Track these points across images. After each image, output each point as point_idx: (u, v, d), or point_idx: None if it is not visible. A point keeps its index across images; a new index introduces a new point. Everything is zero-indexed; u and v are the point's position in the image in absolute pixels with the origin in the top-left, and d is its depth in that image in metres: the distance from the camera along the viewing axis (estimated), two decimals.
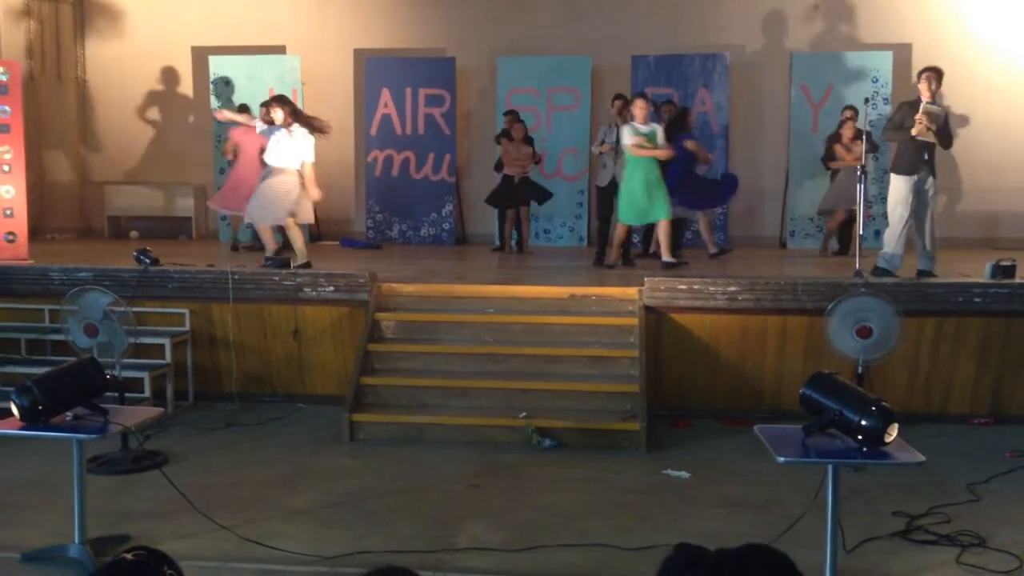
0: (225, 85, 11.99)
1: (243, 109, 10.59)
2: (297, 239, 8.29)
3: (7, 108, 8.63)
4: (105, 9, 12.53)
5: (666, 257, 8.82)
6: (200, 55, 12.31)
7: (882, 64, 11.13)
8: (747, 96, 11.84)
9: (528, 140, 10.46)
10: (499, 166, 10.54)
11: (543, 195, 10.47)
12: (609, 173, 9.49)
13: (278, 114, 8.09)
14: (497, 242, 11.08)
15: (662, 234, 8.93)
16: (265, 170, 8.28)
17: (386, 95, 11.95)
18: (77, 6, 12.52)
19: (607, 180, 9.50)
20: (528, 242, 10.72)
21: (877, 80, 11.12)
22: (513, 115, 10.57)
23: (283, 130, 8.05)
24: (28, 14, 12.21)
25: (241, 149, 10.17)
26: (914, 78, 8.00)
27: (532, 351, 7.17)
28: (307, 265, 8.08)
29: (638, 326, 7.15)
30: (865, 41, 11.44)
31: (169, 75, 12.57)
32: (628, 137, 8.70)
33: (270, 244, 8.38)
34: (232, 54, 12.02)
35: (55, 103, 12.46)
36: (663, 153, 8.79)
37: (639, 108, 8.80)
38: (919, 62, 11.24)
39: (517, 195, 10.45)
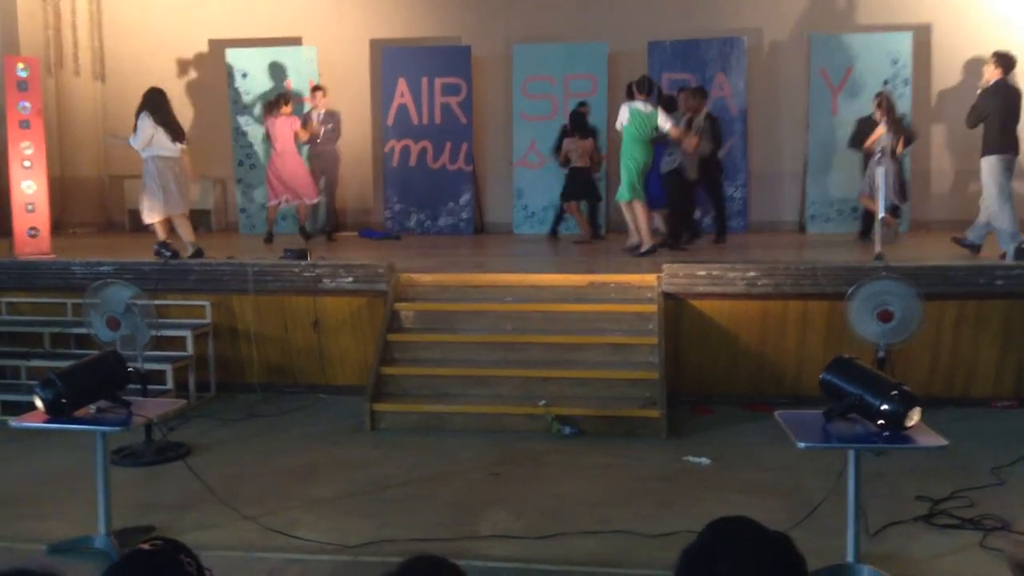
0: (244, 77, 12.04)
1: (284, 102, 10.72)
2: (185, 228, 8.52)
3: (27, 104, 8.70)
4: (122, 3, 12.59)
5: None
6: (217, 48, 12.36)
7: (902, 45, 11.01)
8: (765, 80, 11.75)
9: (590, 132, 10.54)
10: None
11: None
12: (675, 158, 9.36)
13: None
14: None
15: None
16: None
17: (402, 85, 11.95)
18: (94, 1, 12.58)
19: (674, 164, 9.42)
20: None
21: (897, 62, 11.00)
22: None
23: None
24: (45, 10, 12.29)
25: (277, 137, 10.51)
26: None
27: (551, 339, 7.17)
28: (199, 253, 8.29)
29: (657, 313, 7.14)
30: (884, 22, 11.31)
31: (187, 68, 12.64)
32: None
33: (190, 236, 8.51)
34: (249, 46, 12.06)
35: (75, 98, 12.55)
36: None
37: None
38: (939, 42, 11.17)
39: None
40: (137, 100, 8.43)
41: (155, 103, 8.30)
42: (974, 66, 11.04)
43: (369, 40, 12.30)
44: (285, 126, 10.42)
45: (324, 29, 12.21)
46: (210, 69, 12.53)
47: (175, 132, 8.33)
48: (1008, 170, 8.02)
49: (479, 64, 11.98)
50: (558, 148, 10.69)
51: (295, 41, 12.22)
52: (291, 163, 10.45)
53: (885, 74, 10.98)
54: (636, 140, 8.71)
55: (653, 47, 11.51)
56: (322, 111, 10.89)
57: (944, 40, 11.19)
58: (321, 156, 11.00)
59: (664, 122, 8.73)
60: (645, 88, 8.77)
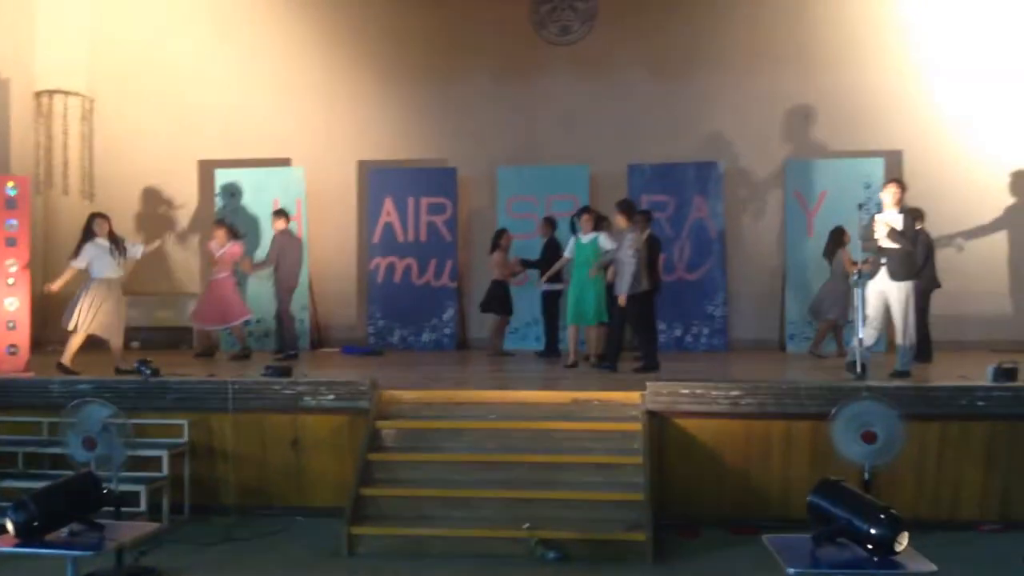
0: (231, 196, 12.23)
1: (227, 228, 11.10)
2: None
3: (14, 222, 8.78)
4: (113, 123, 12.85)
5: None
6: (206, 168, 12.59)
7: (874, 170, 11.36)
8: (742, 202, 12.07)
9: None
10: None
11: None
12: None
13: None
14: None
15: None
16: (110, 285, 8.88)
17: (388, 204, 12.19)
18: (86, 121, 12.85)
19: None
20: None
21: (870, 186, 11.32)
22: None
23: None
24: (37, 130, 12.53)
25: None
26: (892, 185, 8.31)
27: (535, 458, 7.08)
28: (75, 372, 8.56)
29: (641, 431, 7.09)
30: (857, 148, 11.70)
31: (175, 187, 12.80)
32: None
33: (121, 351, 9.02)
34: (238, 167, 12.29)
35: (62, 216, 12.65)
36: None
37: (584, 221, 9.54)
38: (910, 168, 11.57)
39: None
40: (126, 218, 8.64)
41: None
42: (943, 190, 11.42)
43: (357, 161, 12.59)
44: (216, 251, 10.90)
45: (312, 150, 12.49)
46: (199, 188, 12.74)
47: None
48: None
49: (464, 184, 12.25)
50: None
51: (284, 162, 12.48)
52: (216, 288, 10.78)
53: (858, 198, 11.25)
54: (577, 267, 9.46)
55: (633, 169, 11.83)
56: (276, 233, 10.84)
57: (915, 165, 11.57)
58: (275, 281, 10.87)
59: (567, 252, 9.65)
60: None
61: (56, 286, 9.01)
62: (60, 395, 7.65)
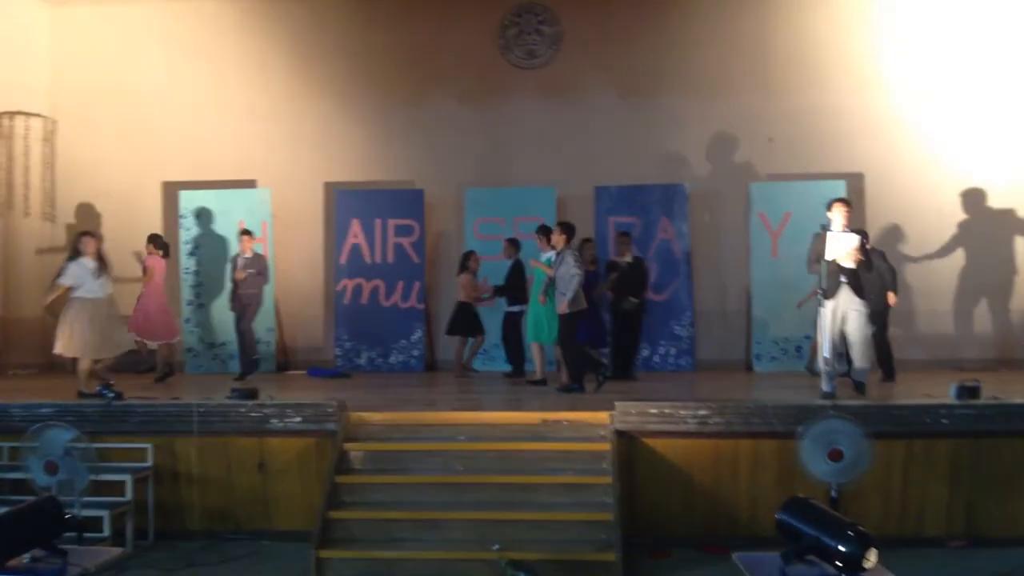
0: (198, 218, 12.12)
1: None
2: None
3: None
4: (75, 145, 12.70)
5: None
6: (171, 190, 12.47)
7: (837, 192, 11.51)
8: (707, 224, 12.19)
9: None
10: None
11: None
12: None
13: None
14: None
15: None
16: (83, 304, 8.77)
17: (356, 225, 12.15)
18: (48, 143, 12.69)
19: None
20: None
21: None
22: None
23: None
24: None
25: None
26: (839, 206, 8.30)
27: (504, 479, 7.06)
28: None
29: (610, 451, 7.10)
30: (819, 170, 11.87)
31: (139, 210, 12.64)
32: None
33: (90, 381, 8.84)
34: (203, 188, 12.19)
35: (23, 238, 12.47)
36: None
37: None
38: (872, 190, 11.78)
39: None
40: None
41: None
42: (904, 212, 11.65)
43: (323, 182, 12.54)
44: (152, 264, 10.58)
45: (279, 172, 12.42)
46: (163, 211, 12.61)
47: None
48: None
49: (432, 206, 12.25)
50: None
51: (249, 184, 12.40)
52: (155, 303, 10.50)
53: (821, 219, 11.44)
54: (537, 285, 9.64)
55: (599, 192, 11.91)
56: (248, 255, 10.73)
57: (875, 187, 11.79)
58: (241, 299, 10.68)
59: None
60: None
61: (46, 301, 9.08)
62: (21, 419, 7.50)
